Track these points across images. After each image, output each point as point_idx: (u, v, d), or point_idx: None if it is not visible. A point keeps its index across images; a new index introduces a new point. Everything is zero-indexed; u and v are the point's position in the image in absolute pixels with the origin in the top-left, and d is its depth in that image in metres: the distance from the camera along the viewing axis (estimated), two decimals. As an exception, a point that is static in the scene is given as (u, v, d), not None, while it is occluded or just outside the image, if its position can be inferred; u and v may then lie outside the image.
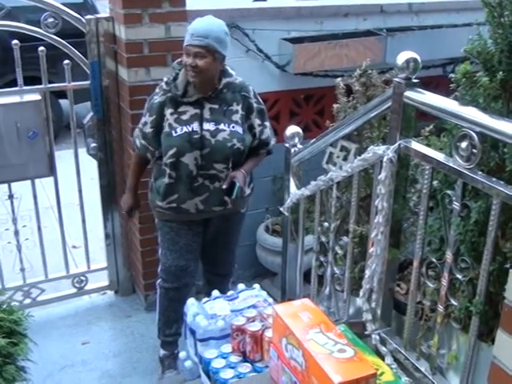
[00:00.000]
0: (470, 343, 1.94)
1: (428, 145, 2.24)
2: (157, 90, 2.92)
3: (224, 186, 2.83)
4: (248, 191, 3.04)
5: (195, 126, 2.80)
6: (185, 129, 2.79)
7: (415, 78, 2.10)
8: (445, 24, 4.12)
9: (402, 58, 2.06)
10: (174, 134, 2.80)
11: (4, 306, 2.36)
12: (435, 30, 4.07)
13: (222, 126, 2.81)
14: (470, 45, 2.04)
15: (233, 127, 2.83)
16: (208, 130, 2.80)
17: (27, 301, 3.73)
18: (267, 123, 3.02)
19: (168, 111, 2.83)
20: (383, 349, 2.27)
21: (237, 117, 2.86)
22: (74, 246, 4.36)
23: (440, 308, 2.05)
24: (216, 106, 2.84)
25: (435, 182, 2.15)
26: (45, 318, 3.69)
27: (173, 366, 3.21)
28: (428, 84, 4.05)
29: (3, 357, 2.06)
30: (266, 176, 3.80)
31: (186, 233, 3.00)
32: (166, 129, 2.82)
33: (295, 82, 3.89)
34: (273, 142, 3.05)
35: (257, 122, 2.95)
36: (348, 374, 1.59)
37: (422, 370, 2.14)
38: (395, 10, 4.08)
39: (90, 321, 3.72)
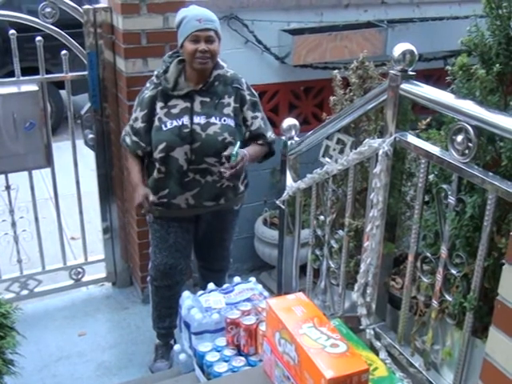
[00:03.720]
0: (464, 339, 1.92)
1: (428, 138, 2.21)
2: (147, 85, 2.88)
3: (226, 153, 2.72)
4: (242, 188, 2.99)
5: (185, 119, 2.75)
6: (175, 123, 2.75)
7: (413, 71, 2.07)
8: (446, 16, 4.09)
9: (398, 49, 2.02)
10: (164, 128, 2.76)
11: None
12: (437, 22, 4.03)
13: (212, 120, 2.76)
14: (468, 36, 2.01)
15: (224, 120, 2.78)
16: (198, 124, 2.75)
17: (24, 292, 3.73)
18: (259, 114, 2.92)
19: (158, 105, 2.79)
20: (377, 343, 2.26)
21: (229, 110, 2.81)
22: (72, 238, 4.36)
23: (434, 303, 2.04)
24: (207, 99, 2.79)
25: (431, 176, 2.12)
26: (42, 310, 3.69)
27: (165, 356, 3.22)
28: (429, 77, 4.04)
29: (-11, 350, 2.06)
30: (265, 168, 3.78)
31: (176, 230, 2.96)
32: (156, 123, 2.78)
33: (294, 74, 3.86)
34: (269, 134, 2.95)
35: (250, 114, 2.89)
36: (340, 369, 1.59)
37: (416, 365, 2.13)
38: (396, 1, 4.04)
39: (87, 312, 3.71)
